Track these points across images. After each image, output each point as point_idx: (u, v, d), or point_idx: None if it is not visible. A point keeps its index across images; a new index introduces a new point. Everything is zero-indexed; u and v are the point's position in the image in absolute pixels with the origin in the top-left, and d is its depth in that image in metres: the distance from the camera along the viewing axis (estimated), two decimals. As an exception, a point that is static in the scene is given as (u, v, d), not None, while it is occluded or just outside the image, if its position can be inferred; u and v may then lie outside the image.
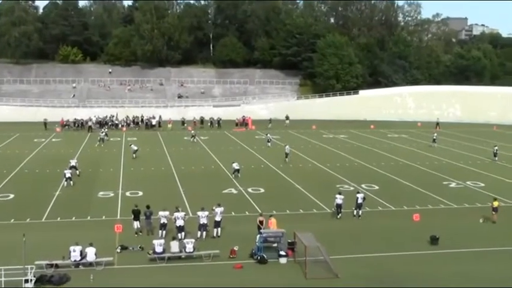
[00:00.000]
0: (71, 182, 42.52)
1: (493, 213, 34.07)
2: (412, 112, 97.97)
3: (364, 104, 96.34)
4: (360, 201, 34.89)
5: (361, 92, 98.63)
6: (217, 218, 30.62)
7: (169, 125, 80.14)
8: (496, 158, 56.46)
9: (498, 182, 46.39)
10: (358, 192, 36.10)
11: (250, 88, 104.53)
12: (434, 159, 57.21)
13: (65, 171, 43.21)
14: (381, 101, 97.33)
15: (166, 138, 69.89)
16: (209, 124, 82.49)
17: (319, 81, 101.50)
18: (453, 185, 45.04)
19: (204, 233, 30.20)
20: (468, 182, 45.72)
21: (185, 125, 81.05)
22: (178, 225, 29.76)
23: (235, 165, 46.43)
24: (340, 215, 34.43)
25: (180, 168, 50.11)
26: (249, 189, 41.77)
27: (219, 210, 30.88)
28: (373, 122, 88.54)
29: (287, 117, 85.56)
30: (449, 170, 51.20)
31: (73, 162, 46.71)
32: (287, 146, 55.13)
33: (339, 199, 34.43)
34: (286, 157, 53.72)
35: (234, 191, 41.56)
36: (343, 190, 39.52)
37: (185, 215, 30.37)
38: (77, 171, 45.88)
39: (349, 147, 64.77)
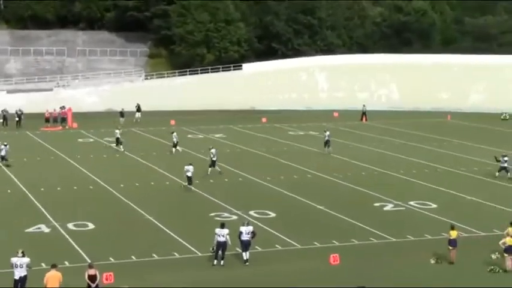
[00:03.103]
0: None
1: (450, 248, 35.03)
2: (324, 96, 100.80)
3: (252, 85, 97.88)
4: (245, 237, 34.92)
5: (245, 66, 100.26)
6: (16, 276, 29.50)
7: None
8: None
9: (456, 200, 48.45)
10: (243, 224, 36.20)
11: (70, 61, 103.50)
12: (361, 167, 58.94)
13: None
14: (276, 80, 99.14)
15: None
16: (1, 121, 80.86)
17: (179, 50, 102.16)
18: (389, 206, 46.53)
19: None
20: (412, 202, 47.33)
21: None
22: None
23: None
24: (222, 261, 34.37)
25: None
26: (70, 225, 41.16)
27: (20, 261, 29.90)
28: (266, 113, 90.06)
29: (138, 109, 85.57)
30: (383, 184, 52.96)
31: None
32: (213, 150, 55.75)
33: (221, 236, 34.35)
34: (212, 166, 54.95)
35: (45, 228, 40.85)
36: (222, 220, 39.58)
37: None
38: None
39: (229, 152, 65.58)
